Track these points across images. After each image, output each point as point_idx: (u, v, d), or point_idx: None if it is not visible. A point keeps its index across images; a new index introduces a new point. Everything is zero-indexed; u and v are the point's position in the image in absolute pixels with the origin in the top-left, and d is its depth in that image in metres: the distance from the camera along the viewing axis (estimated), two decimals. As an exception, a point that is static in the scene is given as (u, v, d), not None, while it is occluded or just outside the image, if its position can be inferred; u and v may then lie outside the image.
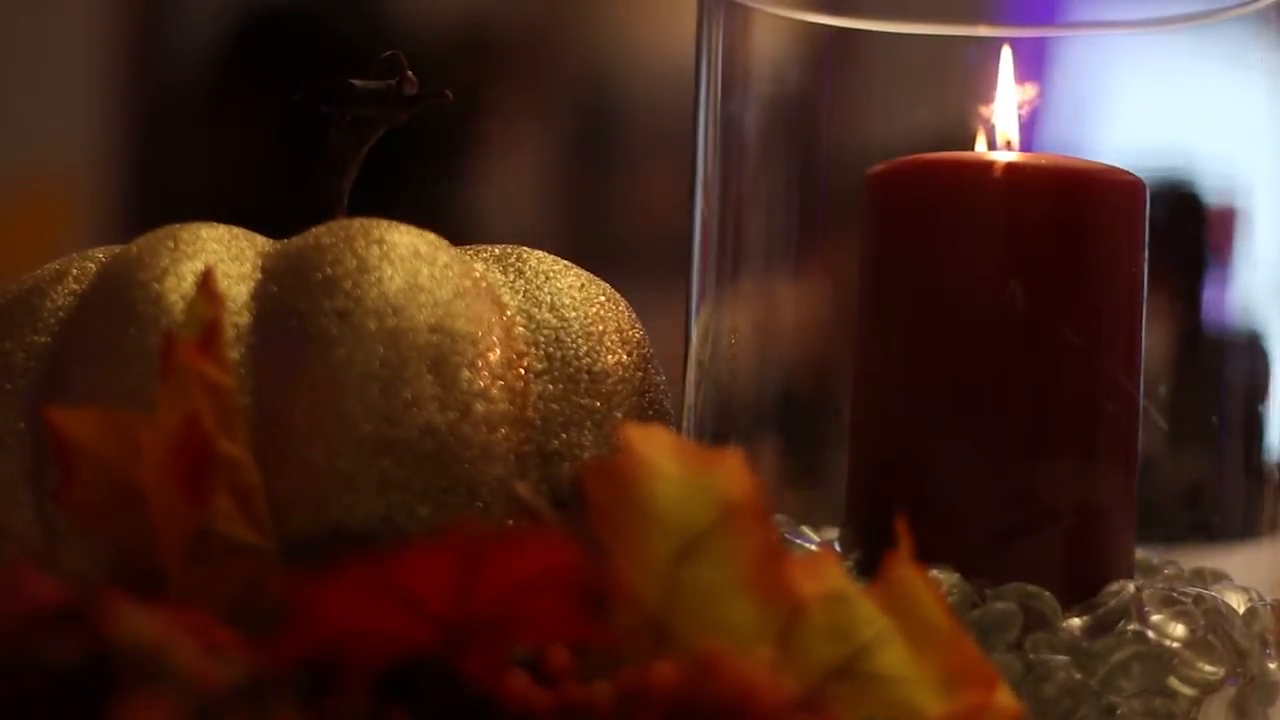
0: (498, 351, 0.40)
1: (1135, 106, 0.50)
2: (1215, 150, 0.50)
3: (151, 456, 0.35)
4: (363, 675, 0.31)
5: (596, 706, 0.32)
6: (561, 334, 0.42)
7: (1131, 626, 0.43)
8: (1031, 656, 0.42)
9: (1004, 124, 0.48)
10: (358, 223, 0.41)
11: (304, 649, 0.30)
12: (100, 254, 0.43)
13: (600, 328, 0.42)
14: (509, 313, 0.41)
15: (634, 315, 0.44)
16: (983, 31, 0.49)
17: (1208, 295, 0.51)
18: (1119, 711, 0.42)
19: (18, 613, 0.30)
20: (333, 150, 0.45)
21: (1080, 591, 0.44)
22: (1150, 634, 0.43)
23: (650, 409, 0.43)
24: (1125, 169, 0.46)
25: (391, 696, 0.32)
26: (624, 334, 0.43)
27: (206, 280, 0.37)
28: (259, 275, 0.40)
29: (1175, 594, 0.44)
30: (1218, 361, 0.51)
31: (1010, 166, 0.46)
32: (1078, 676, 0.42)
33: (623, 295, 0.45)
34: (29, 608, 0.30)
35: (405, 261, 0.40)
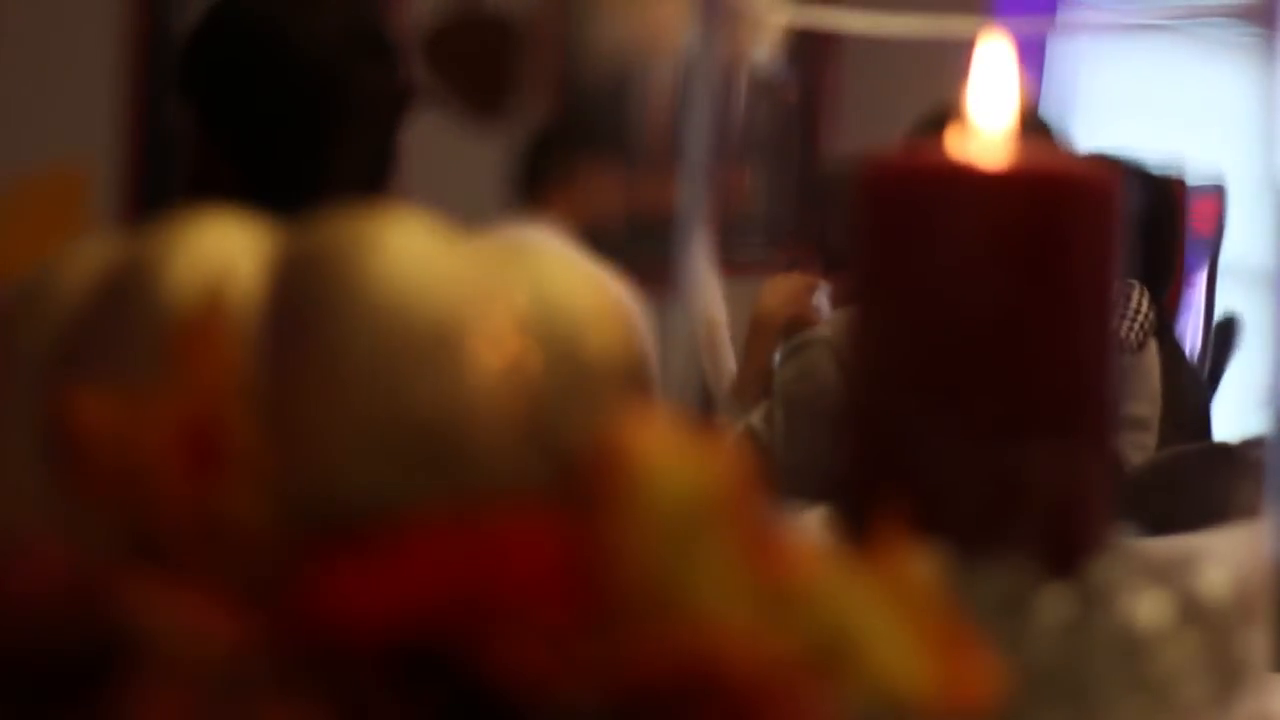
0: (500, 339, 0.40)
1: (1121, 104, 0.51)
2: (1197, 145, 0.51)
3: (158, 441, 0.36)
4: (364, 657, 0.31)
5: (593, 689, 0.33)
6: (562, 321, 0.42)
7: (1111, 606, 0.43)
8: (1013, 635, 0.43)
9: (989, 120, 0.48)
10: (364, 211, 0.41)
11: (307, 632, 0.31)
12: (110, 241, 0.43)
13: (600, 316, 0.43)
14: (511, 300, 0.42)
15: (632, 303, 0.45)
16: (972, 30, 0.49)
17: (1186, 284, 0.51)
18: (1099, 690, 0.43)
19: (27, 594, 0.30)
20: (337, 141, 0.45)
21: (1061, 571, 0.44)
22: (1130, 614, 0.43)
23: (647, 395, 0.43)
24: (1105, 159, 0.47)
25: (393, 678, 0.32)
26: (623, 322, 0.43)
27: (214, 268, 0.38)
28: (266, 262, 0.41)
29: (1155, 575, 0.45)
30: (1195, 348, 0.51)
31: (991, 161, 0.47)
32: (1058, 655, 0.43)
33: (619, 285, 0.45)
34: (38, 589, 0.30)
35: (409, 249, 0.40)
